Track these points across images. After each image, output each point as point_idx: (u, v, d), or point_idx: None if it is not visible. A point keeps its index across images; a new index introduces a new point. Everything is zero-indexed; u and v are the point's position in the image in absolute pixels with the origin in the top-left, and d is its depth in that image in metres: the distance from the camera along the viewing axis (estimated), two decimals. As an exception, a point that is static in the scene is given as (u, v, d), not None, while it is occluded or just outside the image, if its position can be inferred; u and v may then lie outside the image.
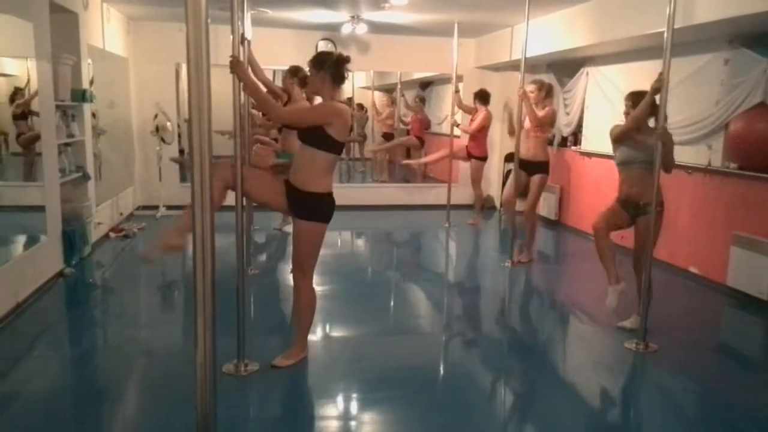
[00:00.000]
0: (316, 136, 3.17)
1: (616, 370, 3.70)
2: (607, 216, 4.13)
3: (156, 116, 7.56)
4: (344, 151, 3.63)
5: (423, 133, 10.28)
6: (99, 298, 4.93)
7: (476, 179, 7.70)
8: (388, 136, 10.85)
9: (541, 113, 5.68)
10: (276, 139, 7.81)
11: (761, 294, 4.62)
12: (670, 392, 3.51)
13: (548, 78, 7.99)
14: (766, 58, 4.56)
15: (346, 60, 3.31)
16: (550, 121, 5.87)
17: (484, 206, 8.37)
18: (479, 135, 7.48)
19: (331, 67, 3.25)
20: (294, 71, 5.50)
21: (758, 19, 4.16)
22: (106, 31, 6.59)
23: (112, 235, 6.50)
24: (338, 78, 3.27)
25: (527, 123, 5.76)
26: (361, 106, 11.67)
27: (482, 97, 7.45)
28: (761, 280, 4.60)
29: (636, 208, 4.03)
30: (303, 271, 3.40)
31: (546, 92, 5.84)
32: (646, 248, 3.90)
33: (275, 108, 3.49)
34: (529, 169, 5.83)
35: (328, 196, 3.28)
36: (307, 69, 3.46)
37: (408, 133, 10.71)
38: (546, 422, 3.09)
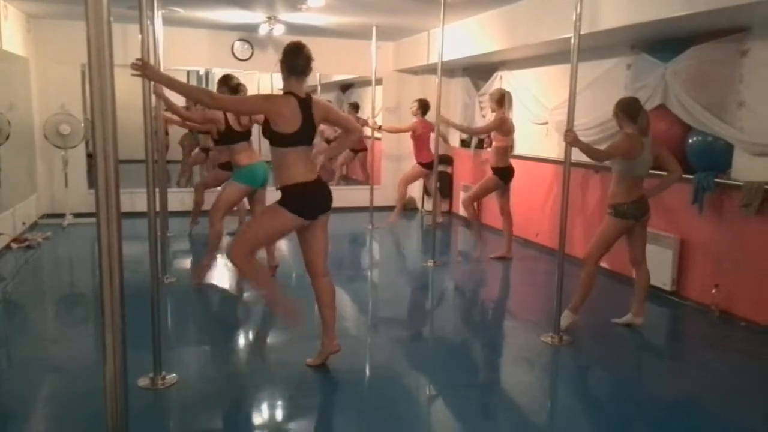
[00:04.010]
0: (268, 133, 3.19)
1: (535, 364, 3.82)
2: (602, 242, 4.15)
3: (46, 122, 7.15)
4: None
5: (362, 140, 10.22)
6: (1, 313, 4.61)
7: (407, 179, 7.55)
8: (331, 141, 10.93)
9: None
10: (206, 150, 7.54)
11: (665, 285, 4.91)
12: (583, 381, 3.67)
13: (464, 82, 8.20)
14: (664, 63, 4.85)
15: (295, 48, 3.21)
16: (493, 128, 6.03)
17: (406, 207, 8.45)
18: (419, 142, 7.35)
19: (283, 55, 3.22)
20: (224, 80, 5.09)
21: (657, 26, 4.43)
22: (3, 29, 6.18)
23: (14, 246, 6.10)
24: (289, 68, 3.20)
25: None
26: None
27: (423, 107, 7.32)
28: (664, 272, 4.89)
29: (643, 210, 4.09)
30: (237, 239, 3.35)
31: (496, 100, 5.97)
32: (644, 247, 4.21)
33: (207, 94, 3.34)
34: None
35: (299, 187, 3.20)
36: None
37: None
38: (470, 420, 3.15)
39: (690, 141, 4.71)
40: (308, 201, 3.26)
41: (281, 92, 3.30)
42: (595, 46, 5.41)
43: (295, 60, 3.20)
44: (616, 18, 4.58)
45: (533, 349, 3.96)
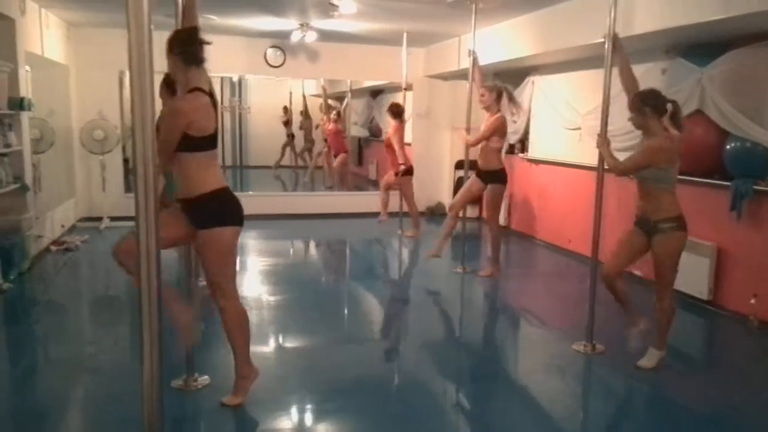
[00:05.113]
0: (183, 140, 2.74)
1: (567, 372, 3.77)
2: (617, 254, 3.68)
3: (82, 129, 7.33)
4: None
5: (341, 143, 10.24)
6: (40, 314, 4.73)
7: (409, 195, 7.33)
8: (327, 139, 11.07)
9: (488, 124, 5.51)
10: None
11: (701, 294, 4.80)
12: (617, 391, 3.61)
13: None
14: (700, 68, 4.75)
15: (190, 35, 2.81)
16: (494, 129, 5.49)
17: (434, 213, 8.44)
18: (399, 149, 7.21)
19: (177, 46, 2.78)
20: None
21: (693, 30, 4.35)
22: (45, 37, 6.37)
23: (53, 248, 6.26)
24: (190, 58, 2.78)
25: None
26: (306, 114, 11.83)
27: (395, 113, 7.19)
28: (701, 280, 4.78)
29: (647, 225, 3.63)
30: (221, 290, 2.94)
31: (496, 95, 5.51)
32: (660, 271, 3.62)
33: (159, 154, 3.06)
34: (485, 178, 5.63)
35: (223, 192, 2.84)
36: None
37: (326, 141, 10.74)
38: (498, 428, 3.12)
39: (728, 147, 4.61)
40: (238, 206, 2.90)
41: (195, 91, 2.80)
42: (628, 50, 5.33)
43: (194, 46, 2.80)
44: (651, 22, 4.51)
45: (565, 358, 3.91)
